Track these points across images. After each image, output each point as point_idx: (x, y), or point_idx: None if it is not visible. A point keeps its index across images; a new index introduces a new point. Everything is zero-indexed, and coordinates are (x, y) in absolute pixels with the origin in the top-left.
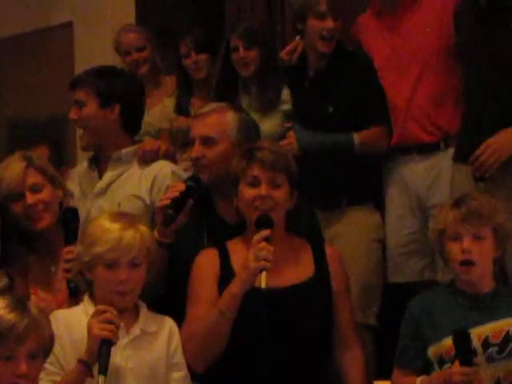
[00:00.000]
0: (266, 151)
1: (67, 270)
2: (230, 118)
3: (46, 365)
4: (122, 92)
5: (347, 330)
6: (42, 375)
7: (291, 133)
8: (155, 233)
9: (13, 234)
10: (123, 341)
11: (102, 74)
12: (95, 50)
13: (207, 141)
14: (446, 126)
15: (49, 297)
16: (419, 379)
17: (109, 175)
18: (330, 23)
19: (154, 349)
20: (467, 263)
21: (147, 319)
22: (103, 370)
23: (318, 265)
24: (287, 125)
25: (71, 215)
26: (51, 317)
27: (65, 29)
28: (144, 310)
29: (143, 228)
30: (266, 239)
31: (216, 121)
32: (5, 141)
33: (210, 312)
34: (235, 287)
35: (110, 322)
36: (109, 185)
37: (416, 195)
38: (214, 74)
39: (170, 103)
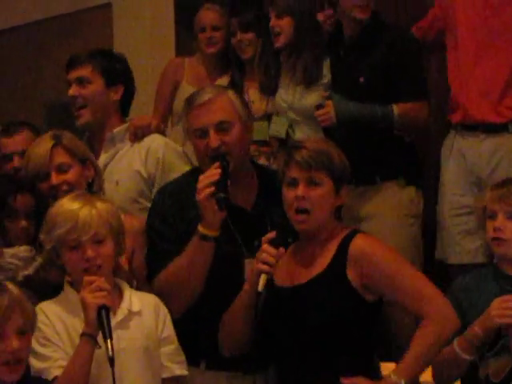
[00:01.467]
0: (304, 151)
1: None
2: (233, 97)
3: (49, 354)
4: (125, 73)
5: (411, 304)
6: (46, 364)
7: (329, 102)
8: (200, 227)
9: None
10: (111, 322)
11: (105, 54)
12: (134, 31)
13: (223, 126)
14: None
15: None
16: (455, 339)
17: (104, 156)
18: None
19: (142, 327)
20: (496, 240)
21: (131, 298)
22: (109, 335)
23: (336, 260)
24: (325, 94)
25: None
26: (38, 311)
27: (103, 10)
28: (127, 289)
29: (101, 204)
30: (271, 242)
31: (225, 104)
32: (43, 124)
33: (231, 307)
34: (246, 285)
35: (100, 289)
36: (105, 166)
37: (477, 176)
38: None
39: (224, 83)
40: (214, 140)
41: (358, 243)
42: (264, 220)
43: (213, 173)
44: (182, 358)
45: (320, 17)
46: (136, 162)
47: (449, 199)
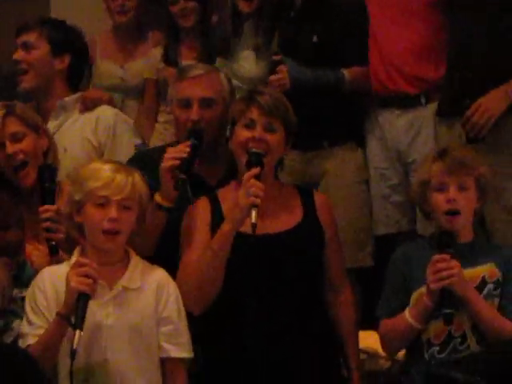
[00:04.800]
0: (267, 96)
1: (46, 229)
2: (223, 79)
3: (32, 318)
4: (74, 43)
5: (337, 274)
6: (27, 329)
7: (282, 67)
8: (157, 196)
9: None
10: (104, 297)
11: (56, 23)
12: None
13: (207, 103)
14: (429, 79)
15: (43, 248)
16: (407, 310)
17: (52, 124)
18: None
19: (137, 305)
20: (453, 213)
21: (133, 274)
22: (79, 325)
23: (307, 211)
24: (276, 57)
25: (48, 174)
26: (39, 273)
27: None
28: (134, 263)
29: (137, 175)
30: (256, 177)
31: (214, 82)
32: None
33: (203, 254)
34: (227, 226)
35: (88, 275)
36: (53, 133)
37: (396, 150)
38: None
39: (156, 53)
40: (195, 113)
41: (322, 196)
42: None
43: (182, 149)
44: (182, 339)
45: None
46: (86, 130)
47: (374, 173)
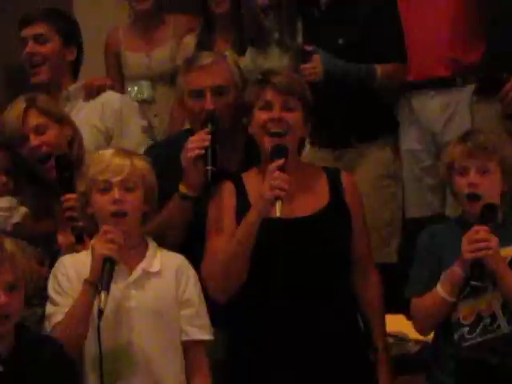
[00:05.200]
0: (280, 76)
1: (70, 218)
2: (232, 65)
3: (56, 298)
4: (79, 34)
5: (364, 257)
6: (53, 309)
7: (316, 57)
8: (181, 186)
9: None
10: (125, 281)
11: (60, 13)
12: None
13: (219, 91)
14: (466, 60)
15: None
16: (438, 284)
17: None
18: None
19: (158, 289)
20: (473, 196)
21: (152, 258)
22: (105, 287)
23: (334, 193)
24: (309, 48)
25: (64, 163)
26: (59, 261)
27: None
28: (153, 248)
29: (137, 157)
30: (281, 168)
31: (223, 69)
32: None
33: (228, 243)
34: (251, 216)
35: (112, 241)
36: None
37: (431, 131)
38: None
39: (191, 41)
40: (209, 102)
41: (349, 177)
42: None
43: (204, 137)
44: (204, 322)
45: None
46: (93, 116)
47: (407, 155)
